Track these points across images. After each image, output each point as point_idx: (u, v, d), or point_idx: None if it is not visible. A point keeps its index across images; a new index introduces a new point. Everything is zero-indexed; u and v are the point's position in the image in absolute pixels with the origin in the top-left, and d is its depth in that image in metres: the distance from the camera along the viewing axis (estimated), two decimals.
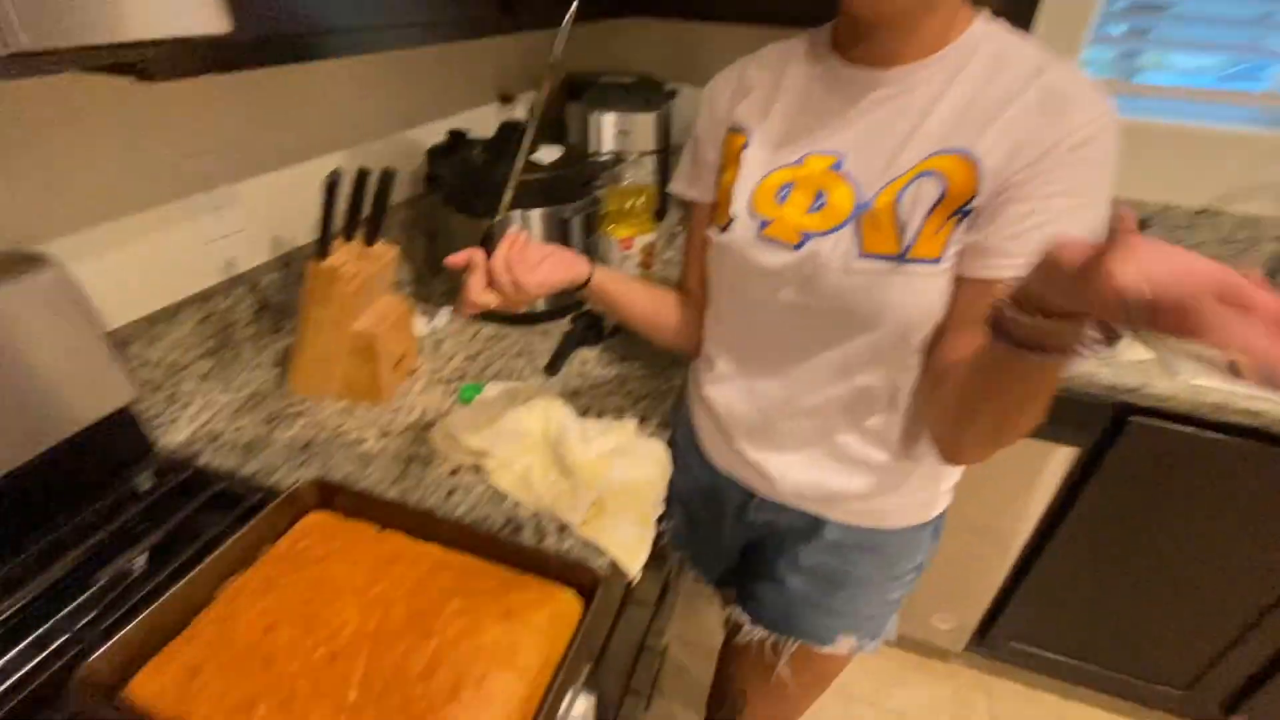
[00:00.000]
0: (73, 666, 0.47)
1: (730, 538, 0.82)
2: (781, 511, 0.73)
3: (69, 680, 0.46)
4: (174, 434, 0.80)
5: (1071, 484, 1.21)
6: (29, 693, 0.51)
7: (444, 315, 1.09)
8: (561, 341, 1.02)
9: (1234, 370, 0.29)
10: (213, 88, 0.79)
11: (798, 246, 0.60)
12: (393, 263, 0.88)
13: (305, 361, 0.87)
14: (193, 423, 0.82)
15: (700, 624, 1.65)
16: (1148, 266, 0.30)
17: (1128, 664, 1.39)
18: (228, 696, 0.47)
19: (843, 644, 0.74)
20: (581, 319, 1.06)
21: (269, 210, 0.90)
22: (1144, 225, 1.30)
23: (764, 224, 0.62)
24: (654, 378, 0.98)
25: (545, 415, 0.82)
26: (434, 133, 1.20)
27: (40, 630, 0.56)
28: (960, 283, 0.56)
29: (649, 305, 0.78)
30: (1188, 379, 1.04)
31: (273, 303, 0.93)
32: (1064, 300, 0.37)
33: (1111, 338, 0.37)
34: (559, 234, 1.07)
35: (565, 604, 0.56)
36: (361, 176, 0.79)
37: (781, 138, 0.63)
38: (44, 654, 0.54)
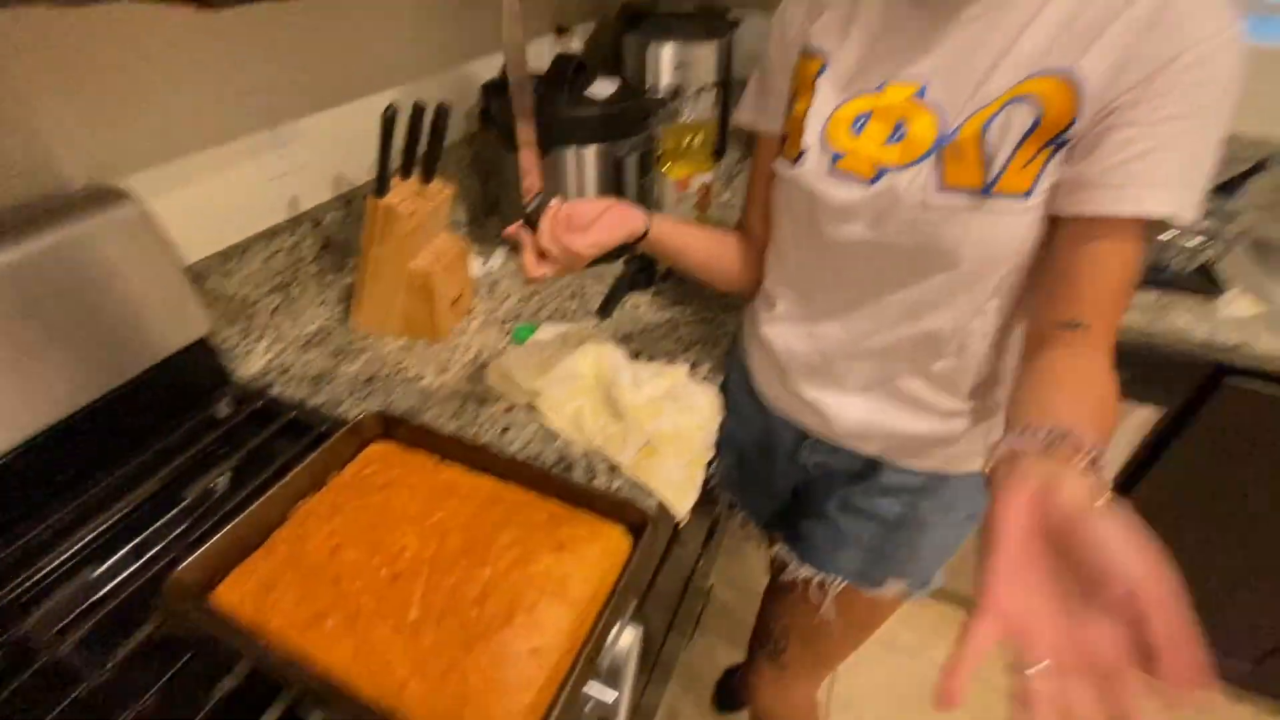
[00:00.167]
0: (165, 573, 0.52)
1: (781, 480, 0.81)
2: (836, 453, 0.72)
3: (162, 585, 0.51)
4: (248, 365, 0.84)
5: (1152, 445, 1.14)
6: (128, 595, 0.56)
7: (499, 256, 1.09)
8: (614, 285, 1.01)
9: None
10: (273, 22, 0.78)
11: (872, 181, 0.56)
12: (448, 201, 0.88)
13: (366, 299, 0.89)
14: (265, 355, 0.87)
15: (745, 566, 1.68)
16: None
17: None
18: (299, 609, 0.50)
19: (891, 589, 0.74)
20: (634, 262, 1.04)
21: (329, 147, 0.91)
22: (1260, 168, 1.16)
23: (837, 157, 0.58)
24: (706, 323, 0.96)
25: (597, 359, 0.82)
26: (489, 67, 1.18)
27: (137, 540, 0.62)
28: (1054, 223, 0.51)
29: (707, 250, 0.76)
30: None
31: (335, 241, 0.95)
32: None
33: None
34: (612, 174, 1.05)
35: (615, 540, 0.57)
36: (417, 112, 0.78)
37: (859, 62, 0.58)
38: (141, 561, 0.59)
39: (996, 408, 0.64)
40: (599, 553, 0.56)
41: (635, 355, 0.88)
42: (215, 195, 0.78)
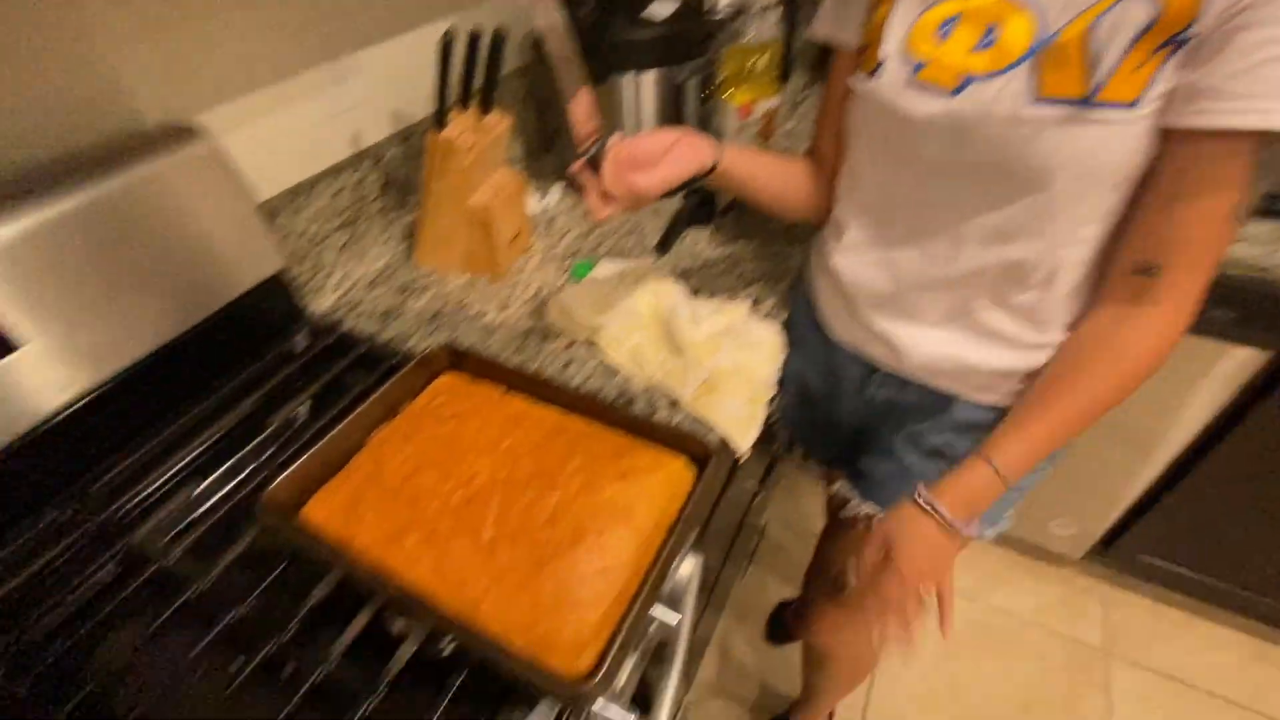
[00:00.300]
0: (258, 491, 0.55)
1: (846, 416, 0.79)
2: (905, 388, 0.70)
3: (256, 501, 0.54)
4: (321, 301, 0.87)
5: (1250, 392, 1.06)
6: (226, 511, 0.60)
7: (555, 192, 1.08)
8: (672, 220, 0.98)
9: None
10: None
11: (955, 91, 0.52)
12: (506, 134, 0.87)
13: (428, 236, 0.90)
14: (336, 291, 0.89)
15: (799, 508, 1.69)
16: None
17: (1276, 589, 1.27)
18: (382, 526, 0.53)
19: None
20: (693, 197, 1.01)
21: (386, 82, 0.90)
22: None
23: (918, 67, 0.54)
24: (769, 259, 0.93)
25: (656, 295, 0.81)
26: None
27: (230, 462, 0.66)
28: (1167, 136, 0.46)
29: (776, 179, 0.73)
30: None
31: (396, 178, 0.96)
32: None
33: None
34: (672, 101, 1.01)
35: (677, 472, 0.58)
36: (474, 39, 0.76)
37: None
38: (235, 481, 0.63)
39: None
40: (661, 482, 0.56)
41: (695, 292, 0.87)
42: (280, 133, 0.79)
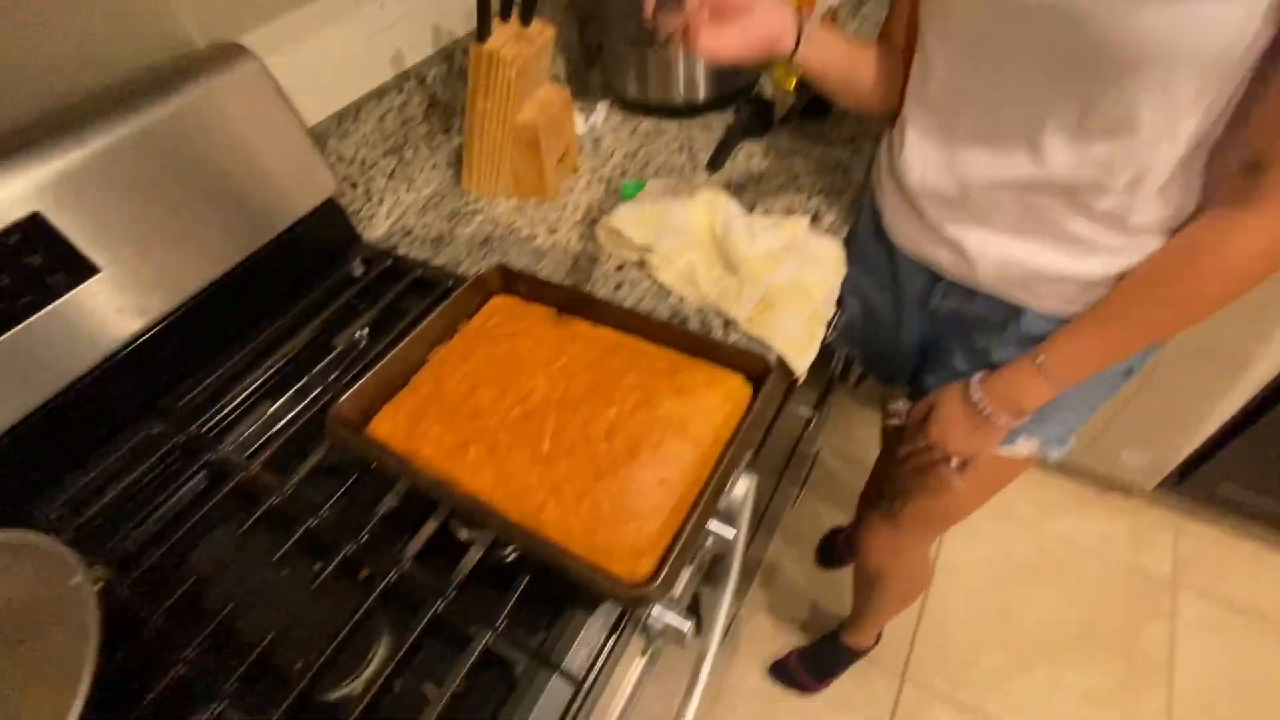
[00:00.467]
0: (327, 410, 0.57)
1: (908, 332, 0.76)
2: (971, 299, 0.66)
3: (326, 416, 0.56)
4: (374, 229, 0.88)
5: None
6: (300, 427, 0.63)
7: (601, 111, 1.04)
8: (725, 134, 0.94)
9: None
10: None
11: None
12: (550, 44, 0.83)
13: (475, 159, 0.88)
14: (388, 219, 0.89)
15: (853, 436, 1.67)
16: None
17: None
18: (445, 439, 0.54)
19: (1023, 447, 0.69)
20: (746, 108, 0.96)
21: None
22: None
23: None
24: (829, 172, 0.88)
25: (710, 209, 0.78)
26: None
27: (301, 382, 0.68)
28: None
29: (846, 66, 0.67)
30: None
31: (440, 100, 0.93)
32: None
33: None
34: None
35: (734, 388, 0.57)
36: None
37: None
38: (307, 400, 0.66)
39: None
40: (719, 399, 0.55)
41: (751, 208, 0.83)
42: (320, 55, 0.77)
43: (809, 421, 1.16)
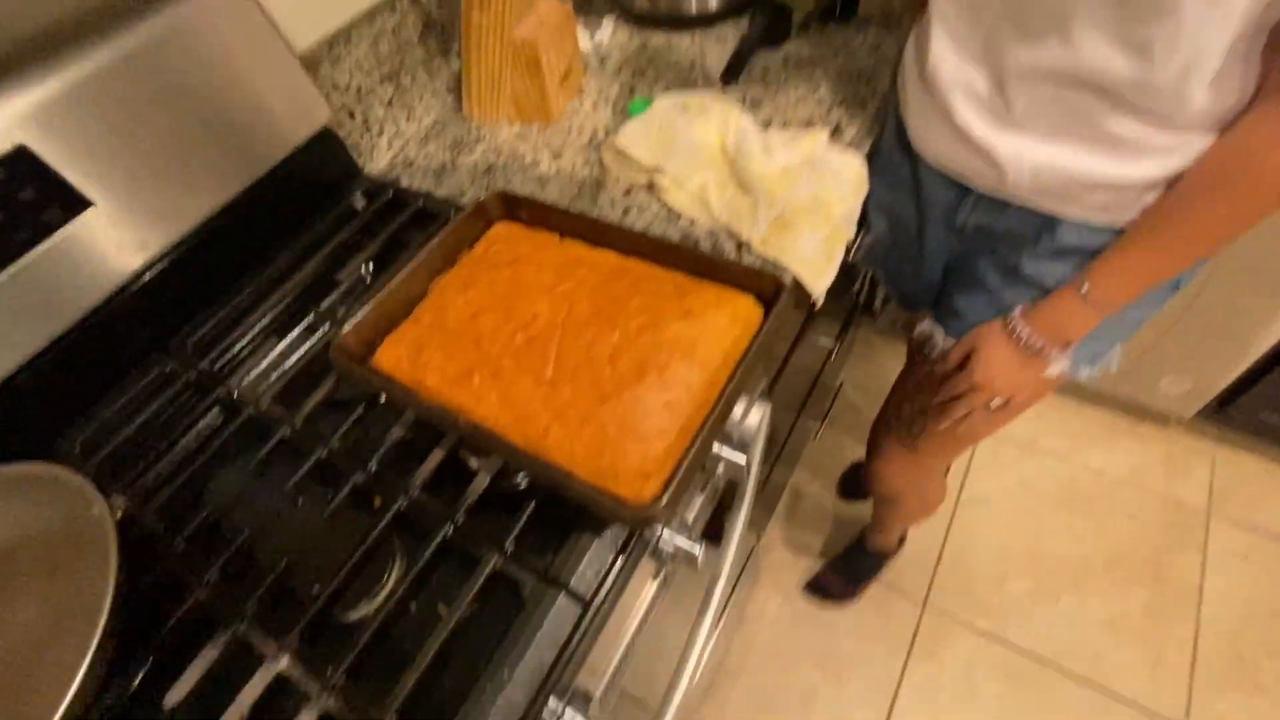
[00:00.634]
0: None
1: (933, 252, 0.72)
2: (1002, 212, 0.61)
3: (329, 349, 0.55)
4: (375, 161, 0.85)
5: None
6: (307, 361, 0.63)
7: (608, 26, 0.98)
8: (739, 45, 0.87)
9: None
10: None
11: None
12: None
13: (474, 81, 0.84)
14: (389, 151, 0.86)
15: (876, 369, 1.63)
16: None
17: None
18: (449, 367, 0.53)
19: (1055, 366, 0.66)
20: (761, 16, 0.88)
21: None
22: None
23: None
24: (850, 82, 0.82)
25: (722, 124, 0.73)
26: None
27: (307, 317, 0.68)
28: None
29: None
30: None
31: (436, 21, 0.89)
32: None
33: None
34: None
35: (745, 310, 0.54)
36: None
37: None
38: (314, 335, 0.65)
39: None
40: (728, 320, 0.53)
41: (767, 123, 0.78)
42: None
43: (830, 353, 1.13)
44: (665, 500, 0.43)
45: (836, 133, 0.76)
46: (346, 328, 0.56)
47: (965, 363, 0.68)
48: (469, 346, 0.54)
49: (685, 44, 0.94)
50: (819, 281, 0.66)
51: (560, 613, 0.46)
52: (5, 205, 0.52)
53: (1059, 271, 0.61)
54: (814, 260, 0.66)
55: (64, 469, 0.51)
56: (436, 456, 0.53)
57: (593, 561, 0.48)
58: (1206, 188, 0.50)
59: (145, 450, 0.59)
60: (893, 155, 0.70)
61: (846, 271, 0.71)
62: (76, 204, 0.56)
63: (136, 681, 0.47)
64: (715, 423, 0.47)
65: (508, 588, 0.47)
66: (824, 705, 1.24)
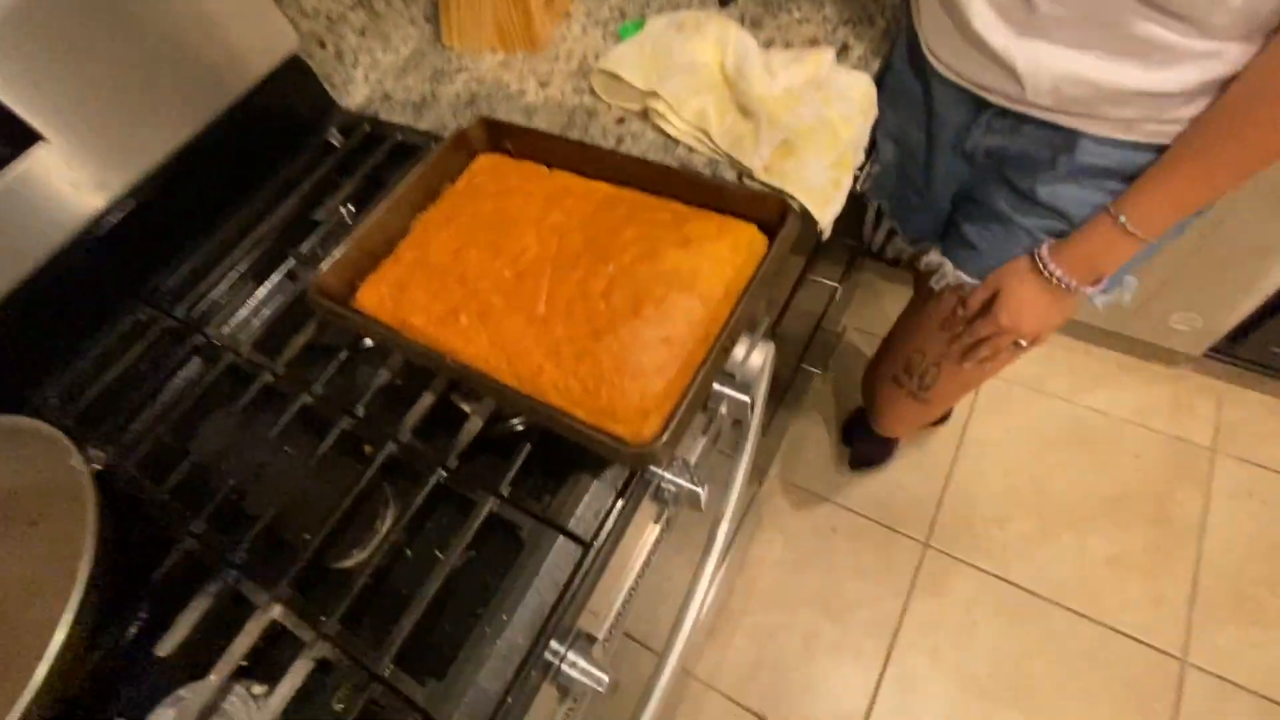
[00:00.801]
0: None
1: (941, 177, 0.68)
2: (1017, 131, 0.57)
3: (307, 291, 0.52)
4: (352, 95, 0.80)
5: None
6: (288, 306, 0.60)
7: None
8: None
9: None
10: None
11: None
12: None
13: (454, 8, 0.78)
14: (365, 85, 0.81)
15: (880, 312, 1.60)
16: None
17: None
18: (433, 307, 0.50)
19: (1087, 302, 0.62)
20: None
21: None
22: None
23: None
24: None
25: (720, 45, 0.68)
26: None
27: (286, 259, 0.64)
28: None
29: None
30: None
31: None
32: None
33: None
34: None
35: (747, 238, 0.51)
36: None
37: None
38: (289, 279, 0.62)
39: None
40: (729, 249, 0.50)
41: (768, 44, 0.73)
42: None
43: (833, 294, 1.10)
44: (665, 438, 0.40)
45: (843, 52, 0.71)
46: (324, 266, 0.53)
47: (989, 305, 0.65)
48: (455, 284, 0.51)
49: None
50: (826, 210, 0.62)
51: (560, 555, 0.44)
52: None
53: (1076, 194, 0.57)
54: (820, 187, 0.62)
55: (38, 421, 0.49)
56: (426, 400, 0.51)
57: (592, 503, 0.46)
58: (1259, 103, 0.46)
59: (123, 401, 0.57)
60: (903, 75, 0.65)
61: (853, 202, 0.67)
62: (26, 138, 0.52)
63: (131, 631, 0.45)
64: (717, 357, 0.44)
65: (505, 531, 0.46)
66: (826, 645, 1.25)
